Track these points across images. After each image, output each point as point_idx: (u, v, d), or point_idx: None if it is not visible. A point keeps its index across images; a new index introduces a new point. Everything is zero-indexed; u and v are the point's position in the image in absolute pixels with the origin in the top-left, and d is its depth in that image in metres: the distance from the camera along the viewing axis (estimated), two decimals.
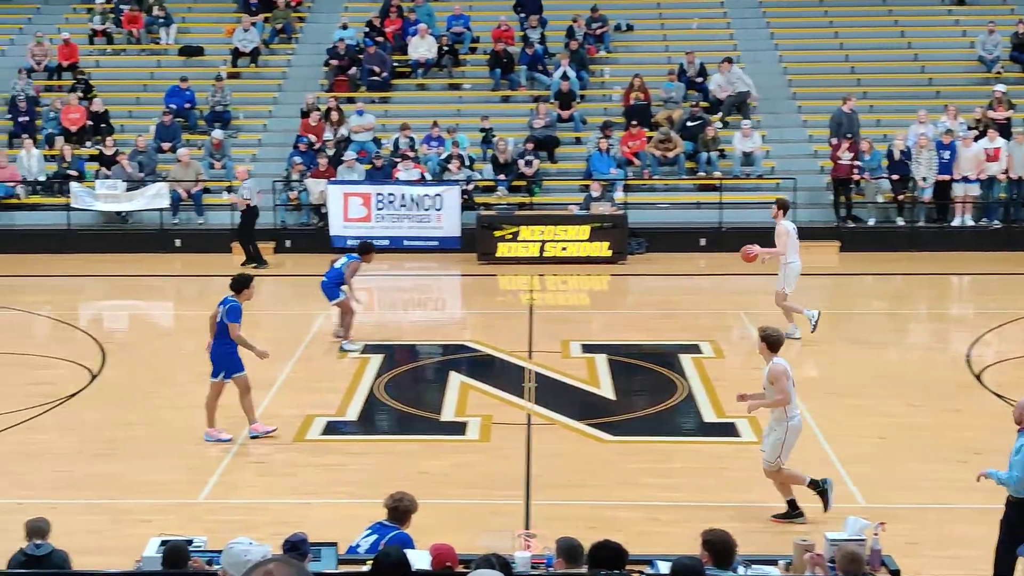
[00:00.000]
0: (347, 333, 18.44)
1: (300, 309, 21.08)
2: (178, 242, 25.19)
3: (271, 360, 17.72)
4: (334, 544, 9.24)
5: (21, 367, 17.82)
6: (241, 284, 14.51)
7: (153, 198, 25.36)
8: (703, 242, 25.25)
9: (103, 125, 27.42)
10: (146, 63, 30.22)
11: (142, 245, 24.89)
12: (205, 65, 29.74)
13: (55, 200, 25.98)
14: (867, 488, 12.70)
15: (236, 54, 29.83)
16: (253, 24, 30.03)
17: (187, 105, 28.02)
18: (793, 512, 11.81)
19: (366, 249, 18.71)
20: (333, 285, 18.38)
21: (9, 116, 27.87)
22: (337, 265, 18.47)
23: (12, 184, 25.89)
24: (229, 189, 25.54)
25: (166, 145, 26.93)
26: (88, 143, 27.26)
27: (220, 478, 13.47)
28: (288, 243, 25.48)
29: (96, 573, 9.59)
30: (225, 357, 14.46)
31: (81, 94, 28.03)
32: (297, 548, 8.37)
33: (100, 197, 25.48)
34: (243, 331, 14.43)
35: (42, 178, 26.27)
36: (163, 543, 9.38)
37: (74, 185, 25.47)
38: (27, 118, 27.46)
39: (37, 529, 9.32)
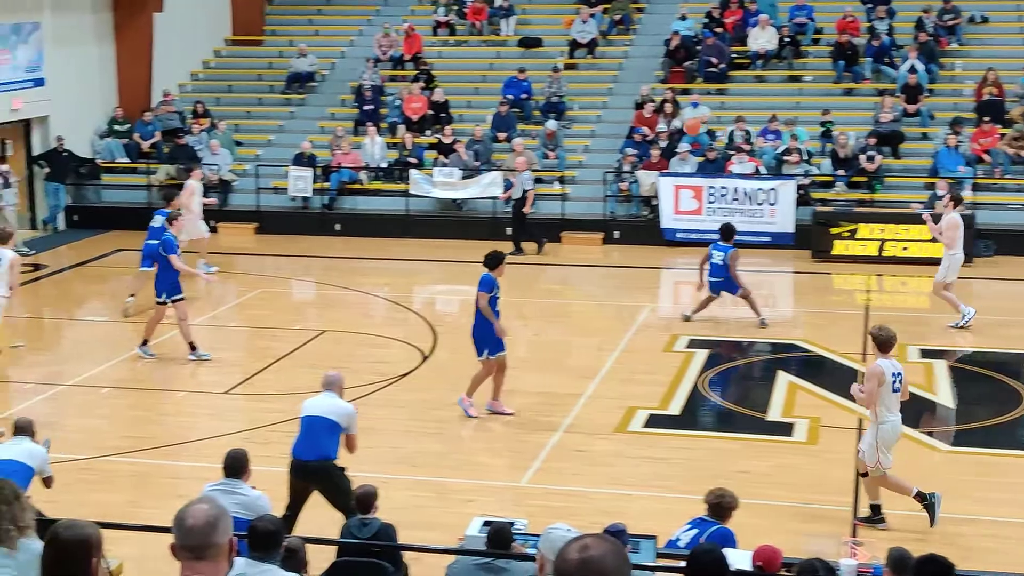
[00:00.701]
0: (758, 311, 18.78)
1: (627, 300, 20.98)
2: (509, 230, 25.51)
3: (596, 350, 17.82)
4: (653, 537, 9.07)
5: (360, 345, 18.42)
6: (495, 261, 14.91)
7: (487, 186, 25.77)
8: None
9: (443, 114, 28.09)
10: (486, 54, 30.80)
11: (475, 232, 25.34)
12: (543, 56, 30.05)
13: (395, 186, 26.76)
14: None
15: (574, 45, 30.01)
16: (592, 15, 30.15)
17: (524, 95, 28.37)
18: (875, 517, 11.61)
19: (731, 232, 18.94)
20: (727, 280, 18.62)
21: (355, 104, 28.92)
22: (716, 261, 18.64)
23: (356, 170, 26.85)
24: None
25: (502, 135, 27.34)
26: (428, 131, 27.98)
27: (543, 464, 13.51)
28: (617, 234, 25.41)
29: (420, 548, 9.73)
30: (485, 335, 14.74)
31: (423, 84, 28.81)
32: (616, 539, 8.21)
33: (437, 184, 26.10)
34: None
35: (384, 164, 27.13)
36: (485, 523, 9.44)
37: (413, 172, 26.18)
38: (372, 106, 28.42)
39: (364, 503, 9.52)
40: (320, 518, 11.39)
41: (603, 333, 18.83)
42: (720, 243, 18.79)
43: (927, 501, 11.47)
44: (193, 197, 21.85)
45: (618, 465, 13.53)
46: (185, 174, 23.23)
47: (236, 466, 9.48)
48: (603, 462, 13.63)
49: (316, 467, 10.79)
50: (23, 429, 10.49)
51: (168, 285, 17.13)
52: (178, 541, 4.53)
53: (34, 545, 6.46)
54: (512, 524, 8.89)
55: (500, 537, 8.39)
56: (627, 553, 3.77)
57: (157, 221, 19.00)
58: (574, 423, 14.83)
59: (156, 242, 18.07)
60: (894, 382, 11.38)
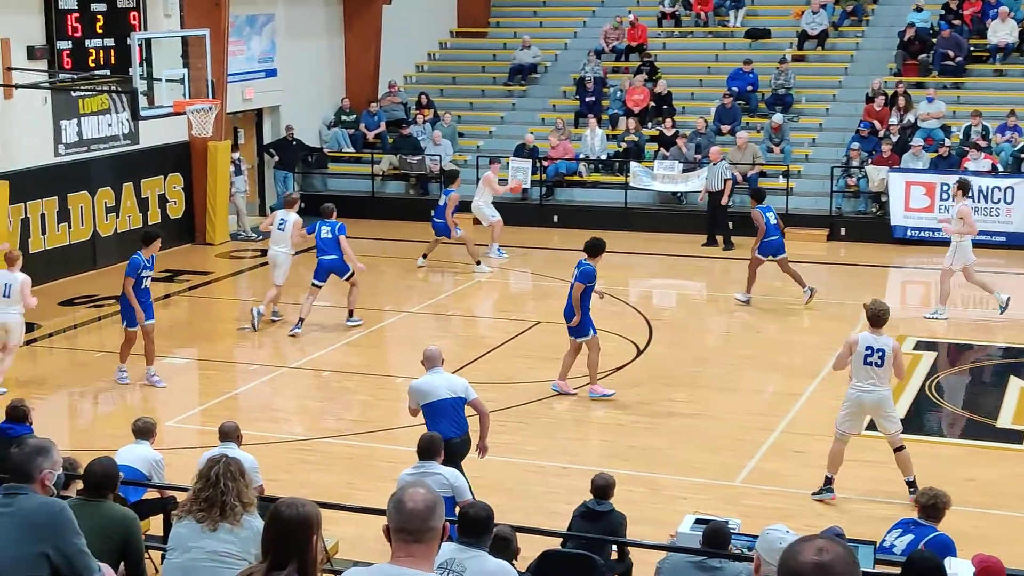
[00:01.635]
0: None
1: (852, 299, 20.37)
2: (731, 224, 25.12)
3: (817, 349, 17.37)
4: (872, 543, 8.77)
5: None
6: (597, 249, 15.14)
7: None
8: None
9: (665, 107, 27.84)
10: (712, 45, 30.39)
11: (695, 226, 25.03)
12: (770, 48, 29.50)
13: (614, 179, 26.63)
14: None
15: (803, 36, 29.36)
16: (823, 6, 29.43)
17: (749, 88, 27.89)
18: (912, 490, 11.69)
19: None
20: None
21: (577, 96, 28.90)
22: (773, 222, 19.63)
23: (575, 161, 26.82)
24: (786, 174, 25.13)
25: (725, 127, 26.94)
26: (649, 124, 27.76)
27: (758, 463, 13.25)
28: (843, 231, 24.77)
29: (632, 543, 9.63)
30: (586, 316, 15.16)
31: (646, 75, 28.60)
32: None
33: (657, 177, 25.88)
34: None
35: (604, 157, 27.04)
36: (698, 521, 9.28)
37: (634, 164, 26.01)
38: (593, 98, 28.36)
39: (603, 491, 9.61)
40: (535, 511, 11.41)
41: (825, 332, 18.34)
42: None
43: (827, 486, 12.14)
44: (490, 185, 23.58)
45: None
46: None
47: (432, 449, 9.70)
48: (821, 464, 13.21)
49: (462, 442, 11.23)
50: (228, 435, 10.40)
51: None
52: (396, 524, 4.53)
53: (256, 522, 6.58)
54: (726, 523, 8.71)
55: (717, 536, 8.20)
56: (857, 560, 3.64)
57: (444, 200, 22.02)
58: (792, 423, 14.50)
59: (441, 221, 21.87)
60: (867, 354, 11.80)
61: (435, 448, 9.73)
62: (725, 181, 23.76)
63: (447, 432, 10.92)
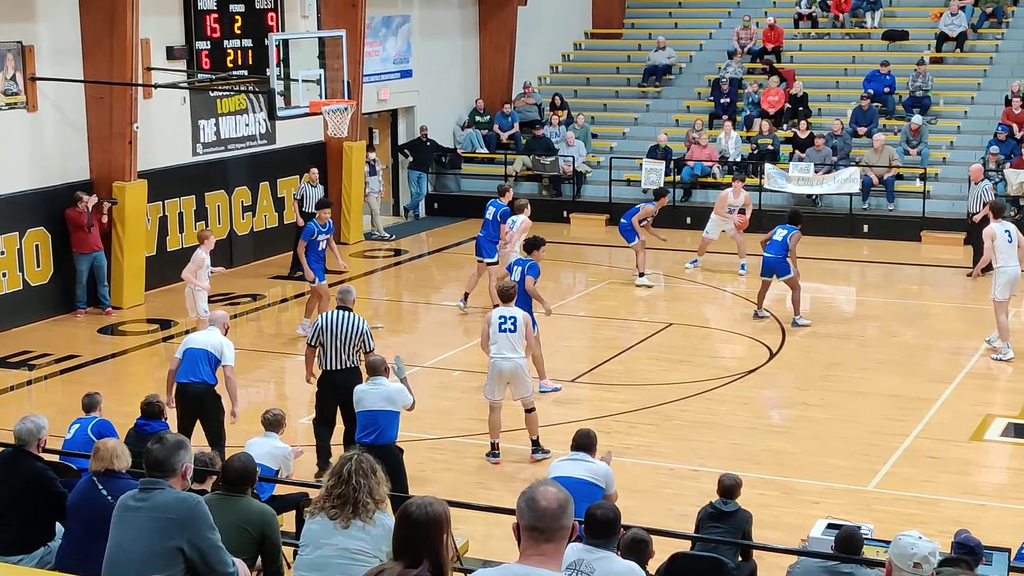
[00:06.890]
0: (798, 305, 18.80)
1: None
2: (866, 227, 24.78)
3: (953, 355, 17.04)
4: (1007, 550, 8.62)
5: (705, 340, 18.33)
6: (534, 245, 15.89)
7: (844, 182, 25.09)
8: None
9: (800, 108, 27.54)
10: (848, 47, 29.97)
11: (830, 228, 24.74)
12: (908, 49, 29.00)
13: (748, 180, 26.33)
14: None
15: (941, 38, 28.82)
16: (962, 8, 28.86)
17: (886, 90, 27.46)
18: (536, 449, 13.49)
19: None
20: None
21: (711, 97, 28.72)
22: (776, 238, 19.01)
23: (709, 164, 26.66)
24: (923, 177, 24.74)
25: (861, 129, 26.57)
26: (784, 126, 27.49)
27: (892, 469, 13.10)
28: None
29: (762, 546, 9.58)
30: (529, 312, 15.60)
31: (779, 78, 28.30)
32: (971, 551, 7.88)
33: (791, 179, 25.60)
34: None
35: (737, 159, 26.83)
36: (830, 526, 9.21)
37: (768, 166, 25.77)
38: (728, 100, 28.17)
39: (728, 489, 9.61)
40: (665, 513, 11.38)
41: (962, 337, 18.03)
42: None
43: (494, 451, 13.49)
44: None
45: (972, 474, 12.97)
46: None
47: (587, 443, 9.84)
48: (956, 470, 13.07)
49: (197, 390, 12.35)
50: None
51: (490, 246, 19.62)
52: (528, 522, 4.52)
53: (387, 520, 6.63)
54: (858, 528, 8.62)
55: (852, 542, 8.11)
56: None
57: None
58: (927, 428, 14.28)
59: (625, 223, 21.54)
60: (501, 323, 13.32)
61: (591, 442, 9.82)
62: (985, 204, 22.11)
63: (181, 376, 12.43)
